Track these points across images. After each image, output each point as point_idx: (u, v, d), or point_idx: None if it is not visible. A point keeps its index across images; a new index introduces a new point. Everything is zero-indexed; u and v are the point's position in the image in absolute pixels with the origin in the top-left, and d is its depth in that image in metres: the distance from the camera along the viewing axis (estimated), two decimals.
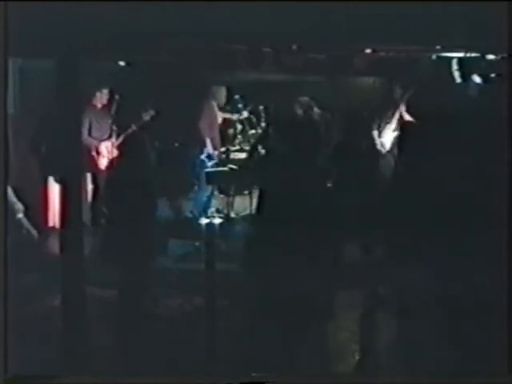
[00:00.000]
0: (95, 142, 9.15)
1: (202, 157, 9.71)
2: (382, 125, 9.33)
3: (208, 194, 9.26)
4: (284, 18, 6.53)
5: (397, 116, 9.21)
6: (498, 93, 6.66)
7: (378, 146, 9.33)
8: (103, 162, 9.01)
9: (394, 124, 9.22)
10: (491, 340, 5.61)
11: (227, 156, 9.95)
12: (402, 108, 9.19)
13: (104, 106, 9.28)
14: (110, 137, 9.15)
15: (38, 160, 8.58)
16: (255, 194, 7.53)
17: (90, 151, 9.06)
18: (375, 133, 9.36)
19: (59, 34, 5.98)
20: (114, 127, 9.18)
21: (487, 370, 5.40)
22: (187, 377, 5.42)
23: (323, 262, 5.97)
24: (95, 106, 9.26)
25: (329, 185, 6.80)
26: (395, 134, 9.05)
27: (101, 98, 9.23)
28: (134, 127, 9.01)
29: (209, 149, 9.78)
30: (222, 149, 9.95)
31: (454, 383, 5.44)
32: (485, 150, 6.29)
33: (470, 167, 6.33)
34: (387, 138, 9.29)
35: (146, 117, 9.12)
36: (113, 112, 9.24)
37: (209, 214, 9.02)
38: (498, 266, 5.81)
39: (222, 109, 10.10)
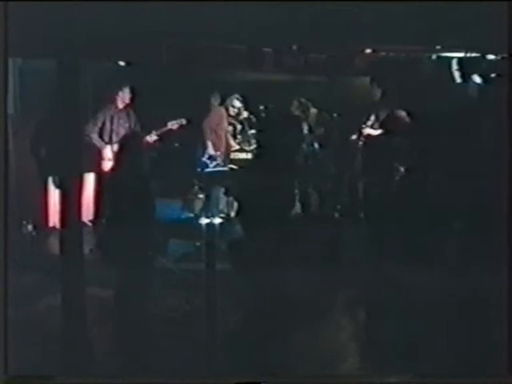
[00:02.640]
0: (102, 144, 9.02)
1: (204, 159, 9.68)
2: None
3: (208, 193, 9.25)
4: (284, 18, 6.53)
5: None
6: (498, 93, 6.65)
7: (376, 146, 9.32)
8: (106, 165, 8.91)
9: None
10: (491, 340, 5.61)
11: (227, 156, 9.95)
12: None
13: (126, 107, 9.11)
14: (114, 142, 9.07)
15: (38, 160, 8.58)
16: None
17: (94, 152, 8.97)
18: (374, 133, 9.36)
19: (59, 34, 5.98)
20: (121, 132, 9.04)
21: (487, 370, 5.39)
22: (187, 377, 5.42)
23: (323, 261, 5.97)
24: (116, 107, 9.10)
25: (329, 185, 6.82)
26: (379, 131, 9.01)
27: (123, 97, 9.08)
28: (153, 134, 8.93)
29: (210, 150, 9.76)
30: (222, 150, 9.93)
31: (454, 383, 5.44)
32: (485, 149, 6.30)
33: (470, 167, 6.33)
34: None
35: (174, 125, 9.03)
36: (130, 115, 9.12)
37: (209, 214, 9.02)
38: (498, 266, 5.81)
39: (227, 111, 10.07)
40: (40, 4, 5.66)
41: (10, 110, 6.32)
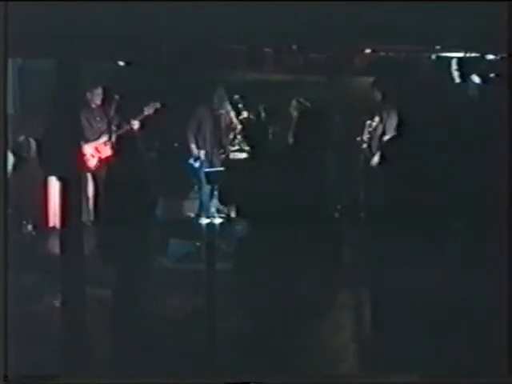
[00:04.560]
0: (84, 143, 9.07)
1: (190, 161, 9.65)
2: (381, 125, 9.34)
3: (208, 193, 9.25)
4: (284, 17, 6.53)
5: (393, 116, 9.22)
6: (497, 93, 6.66)
7: (377, 146, 9.35)
8: (94, 163, 8.97)
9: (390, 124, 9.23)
10: (491, 340, 5.62)
11: (227, 156, 9.93)
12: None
13: (97, 106, 9.24)
14: (99, 137, 9.13)
15: (37, 160, 8.58)
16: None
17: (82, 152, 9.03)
18: (374, 133, 9.37)
19: (59, 34, 5.98)
20: (107, 127, 9.15)
21: (487, 370, 5.40)
22: (187, 377, 5.42)
23: (323, 262, 5.96)
24: (88, 106, 9.21)
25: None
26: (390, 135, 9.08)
27: (94, 97, 9.19)
28: (133, 123, 8.97)
29: (194, 152, 9.75)
30: (213, 149, 9.87)
31: (454, 383, 5.44)
32: (484, 149, 6.31)
33: (470, 167, 6.34)
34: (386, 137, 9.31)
35: (150, 110, 9.07)
36: (107, 111, 9.22)
37: (209, 214, 9.02)
38: (498, 265, 5.81)
39: (218, 109, 10.04)
40: (40, 4, 5.65)
41: (10, 110, 6.31)
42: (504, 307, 5.66)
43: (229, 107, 9.86)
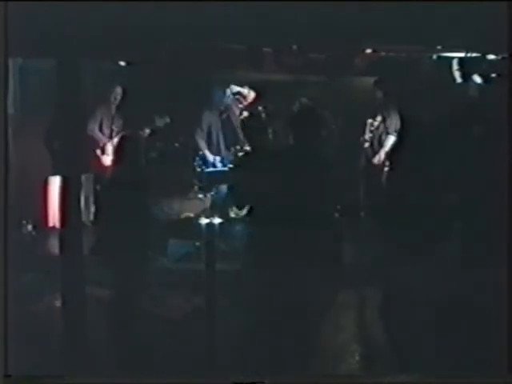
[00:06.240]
0: (103, 139, 9.18)
1: (203, 165, 9.63)
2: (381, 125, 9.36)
3: (208, 193, 9.25)
4: (284, 17, 6.53)
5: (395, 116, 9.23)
6: (498, 93, 6.66)
7: (377, 145, 9.37)
8: (107, 161, 9.01)
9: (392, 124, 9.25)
10: (491, 340, 5.61)
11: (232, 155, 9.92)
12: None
13: (117, 105, 9.31)
14: (104, 137, 9.19)
15: (38, 160, 8.60)
16: None
17: (95, 148, 9.10)
18: (374, 132, 9.38)
19: (59, 34, 5.98)
20: (119, 128, 9.21)
21: (487, 370, 5.39)
22: (187, 377, 5.42)
23: (323, 261, 5.96)
24: (109, 104, 9.27)
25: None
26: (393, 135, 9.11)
27: (115, 96, 9.26)
28: (146, 131, 9.07)
29: (208, 156, 9.72)
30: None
31: (454, 383, 5.44)
32: (485, 149, 6.30)
33: (471, 167, 6.33)
34: (386, 137, 9.33)
35: (160, 123, 9.15)
36: (116, 111, 9.28)
37: (209, 214, 9.01)
38: (498, 265, 5.81)
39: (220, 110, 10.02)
40: (40, 4, 5.66)
41: (10, 110, 6.32)
42: (504, 307, 5.65)
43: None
